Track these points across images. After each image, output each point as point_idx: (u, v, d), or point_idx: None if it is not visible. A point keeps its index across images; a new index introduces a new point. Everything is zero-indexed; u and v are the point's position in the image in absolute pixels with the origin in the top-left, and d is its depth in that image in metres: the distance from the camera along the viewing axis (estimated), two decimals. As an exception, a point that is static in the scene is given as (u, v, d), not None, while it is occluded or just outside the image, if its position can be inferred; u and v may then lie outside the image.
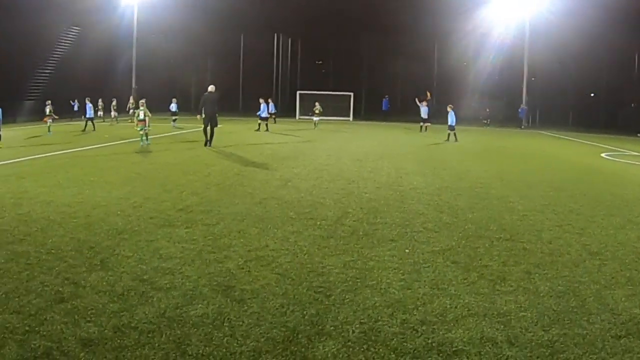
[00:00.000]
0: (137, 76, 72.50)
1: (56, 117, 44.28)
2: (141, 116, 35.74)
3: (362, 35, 77.73)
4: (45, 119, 43.27)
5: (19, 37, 53.03)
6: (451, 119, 44.21)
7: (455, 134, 43.95)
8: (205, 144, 35.95)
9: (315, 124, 55.66)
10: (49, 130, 41.92)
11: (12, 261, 11.66)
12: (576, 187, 23.06)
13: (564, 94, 68.88)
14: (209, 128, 36.40)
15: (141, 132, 35.37)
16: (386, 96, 73.31)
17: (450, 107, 45.14)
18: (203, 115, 36.62)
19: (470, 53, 73.18)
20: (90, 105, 47.64)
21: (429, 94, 65.75)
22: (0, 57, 50.12)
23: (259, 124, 50.46)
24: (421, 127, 53.21)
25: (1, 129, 31.70)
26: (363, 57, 79.99)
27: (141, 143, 34.97)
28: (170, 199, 18.39)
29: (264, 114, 50.62)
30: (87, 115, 47.48)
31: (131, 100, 55.93)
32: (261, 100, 50.50)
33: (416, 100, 66.61)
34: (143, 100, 37.61)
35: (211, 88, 38.02)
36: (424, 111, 54.18)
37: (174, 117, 53.81)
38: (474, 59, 74.03)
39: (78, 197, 18.35)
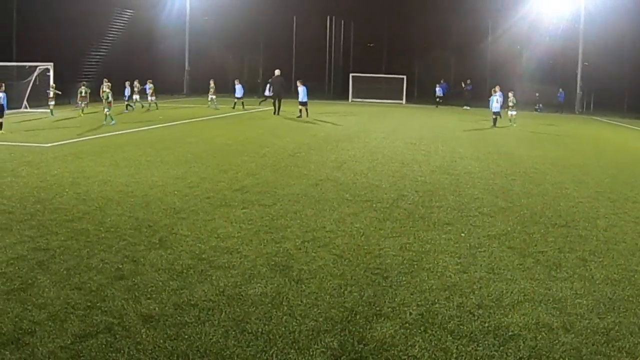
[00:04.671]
0: (189, 58, 72.77)
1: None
2: (110, 98, 37.19)
3: (415, 18, 77.24)
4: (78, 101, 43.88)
5: (72, 19, 53.35)
6: (495, 103, 43.03)
7: (497, 119, 42.78)
8: (274, 113, 45.91)
9: (511, 120, 44.43)
10: (52, 114, 41.96)
11: (72, 239, 11.87)
12: (632, 174, 22.80)
13: (620, 79, 67.60)
14: (277, 103, 46.45)
15: (108, 113, 36.39)
16: (442, 80, 72.68)
17: (494, 90, 43.98)
18: (271, 93, 47.65)
19: (523, 37, 72.21)
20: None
21: (464, 84, 66.03)
22: (54, 40, 50.49)
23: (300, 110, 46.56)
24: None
25: (4, 116, 31.50)
26: (416, 40, 79.48)
27: (105, 122, 35.74)
28: (226, 179, 18.55)
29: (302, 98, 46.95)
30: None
31: (212, 85, 54.66)
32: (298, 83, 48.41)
33: (462, 84, 66.66)
34: (109, 84, 39.34)
35: (277, 72, 47.82)
36: (498, 101, 48.32)
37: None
38: (527, 43, 73.07)
39: (135, 177, 18.59)
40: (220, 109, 49.30)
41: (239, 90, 53.06)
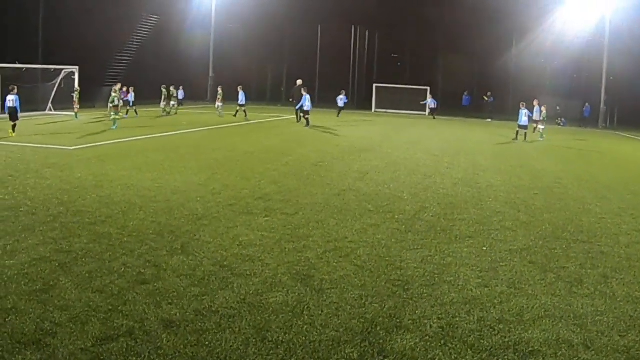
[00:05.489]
0: (214, 65, 72.91)
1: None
2: (115, 102, 37.80)
3: (439, 29, 77.08)
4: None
5: (99, 24, 53.64)
6: (523, 117, 42.27)
7: (526, 134, 42.14)
8: (297, 121, 46.14)
9: (541, 134, 43.84)
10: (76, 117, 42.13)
11: (94, 242, 11.95)
12: (656, 191, 22.67)
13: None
14: (298, 112, 46.26)
15: (114, 117, 36.94)
16: (466, 92, 72.43)
17: (522, 104, 43.26)
18: (293, 101, 47.94)
19: (548, 50, 71.77)
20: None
21: (485, 98, 65.97)
22: (80, 44, 50.75)
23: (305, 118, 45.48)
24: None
25: (18, 119, 31.35)
26: (440, 52, 79.29)
27: (113, 127, 36.03)
28: (249, 187, 18.58)
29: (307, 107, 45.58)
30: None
31: (220, 92, 53.80)
32: (304, 92, 46.22)
33: (484, 97, 66.52)
34: (117, 87, 39.92)
35: (299, 82, 48.35)
36: (534, 113, 44.53)
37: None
38: (551, 56, 72.67)
39: (158, 182, 18.66)
40: (224, 117, 48.49)
41: (241, 97, 51.16)
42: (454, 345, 8.12)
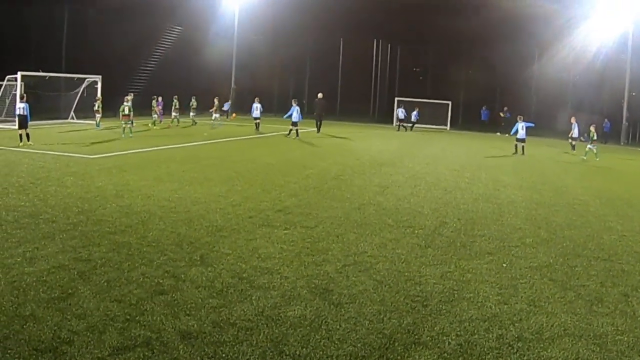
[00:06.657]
0: (236, 76, 72.97)
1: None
2: (126, 111, 38.07)
3: (461, 43, 76.86)
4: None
5: (122, 34, 53.91)
6: (520, 130, 42.20)
7: (523, 147, 41.91)
8: (318, 132, 48.51)
9: (587, 153, 42.69)
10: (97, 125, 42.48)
11: (113, 251, 12.00)
12: (679, 209, 22.46)
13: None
14: (318, 123, 49.43)
15: (124, 126, 37.41)
16: (484, 107, 72.22)
17: (520, 118, 43.16)
18: (315, 114, 50.69)
19: (569, 65, 71.33)
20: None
21: (502, 114, 65.83)
22: (103, 54, 50.98)
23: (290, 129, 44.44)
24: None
25: (28, 127, 31.27)
26: (461, 66, 79.06)
27: (122, 135, 36.62)
28: (269, 199, 18.58)
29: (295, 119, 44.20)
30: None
31: (216, 103, 52.53)
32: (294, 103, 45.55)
33: (500, 114, 66.43)
34: (129, 97, 40.00)
35: (320, 95, 51.16)
36: (572, 130, 47.79)
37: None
38: (573, 71, 72.30)
39: (178, 192, 18.70)
40: (216, 129, 46.78)
41: (257, 110, 48.63)
42: (472, 363, 8.07)
